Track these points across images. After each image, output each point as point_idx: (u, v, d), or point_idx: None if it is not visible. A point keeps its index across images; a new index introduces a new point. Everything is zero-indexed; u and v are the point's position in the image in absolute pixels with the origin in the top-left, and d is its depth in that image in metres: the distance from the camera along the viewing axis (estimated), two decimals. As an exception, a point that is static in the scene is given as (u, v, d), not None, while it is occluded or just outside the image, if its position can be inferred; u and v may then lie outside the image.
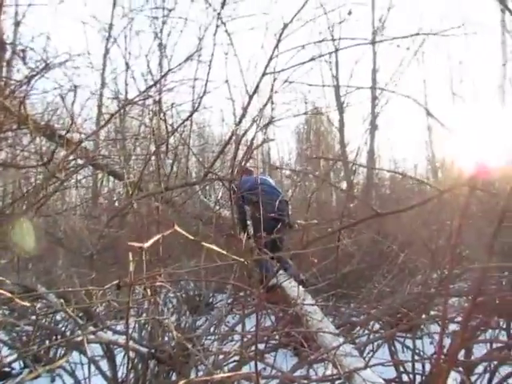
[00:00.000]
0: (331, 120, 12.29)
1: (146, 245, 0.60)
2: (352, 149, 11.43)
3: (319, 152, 10.58)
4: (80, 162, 2.71)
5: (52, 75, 3.17)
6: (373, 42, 7.77)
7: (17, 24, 6.87)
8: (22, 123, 2.21)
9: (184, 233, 0.77)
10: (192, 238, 0.89)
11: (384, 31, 10.02)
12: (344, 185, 9.19)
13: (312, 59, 2.19)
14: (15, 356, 3.59)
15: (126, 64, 8.69)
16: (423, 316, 2.75)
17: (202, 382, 1.29)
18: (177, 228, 0.69)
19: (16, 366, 3.69)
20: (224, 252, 0.96)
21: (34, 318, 3.21)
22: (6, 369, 3.62)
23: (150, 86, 2.73)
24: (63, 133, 2.50)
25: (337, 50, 7.16)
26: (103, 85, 8.49)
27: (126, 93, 4.53)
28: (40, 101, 3.64)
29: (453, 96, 12.42)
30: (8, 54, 3.17)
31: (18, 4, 6.11)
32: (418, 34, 2.73)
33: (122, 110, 5.22)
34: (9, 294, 1.23)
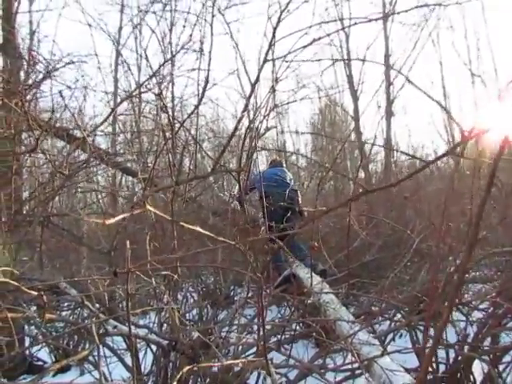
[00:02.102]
0: (345, 108, 12.09)
1: (109, 221, 0.60)
2: (368, 137, 11.25)
3: (334, 142, 10.43)
4: (91, 159, 2.77)
5: (64, 76, 3.25)
6: (384, 17, 7.50)
7: (32, 33, 7.06)
8: (34, 124, 2.27)
9: (157, 212, 0.77)
10: (168, 218, 0.90)
11: (394, 15, 9.71)
12: (361, 174, 9.03)
13: (313, 41, 2.13)
14: (46, 351, 3.75)
15: (138, 66, 8.83)
16: (445, 303, 2.68)
17: (208, 368, 1.30)
18: (148, 207, 0.69)
19: (48, 360, 3.85)
20: (218, 238, 0.96)
21: (61, 313, 3.34)
22: (39, 363, 3.79)
23: (148, 78, 2.74)
24: (72, 132, 2.55)
25: (343, 29, 6.98)
26: (116, 86, 8.66)
27: (140, 92, 4.58)
28: (50, 101, 3.74)
29: (472, 76, 11.96)
30: (23, 62, 3.27)
31: (31, 11, 6.27)
32: (427, 5, 2.61)
33: (135, 108, 5.30)
34: (34, 292, 1.27)
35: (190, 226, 0.85)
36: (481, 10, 12.05)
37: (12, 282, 1.01)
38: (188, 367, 1.04)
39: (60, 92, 2.57)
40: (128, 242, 0.85)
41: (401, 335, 3.53)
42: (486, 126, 0.88)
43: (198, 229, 0.85)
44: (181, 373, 0.98)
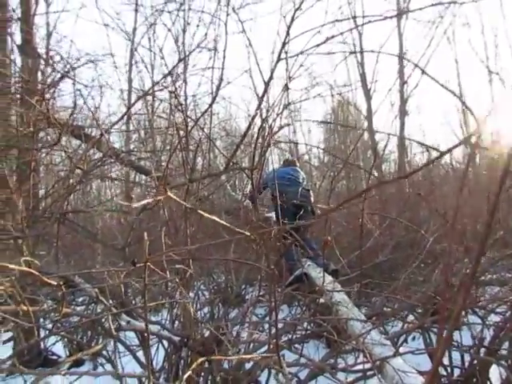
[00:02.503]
0: (358, 108, 12.00)
1: (135, 205, 0.61)
2: (381, 137, 11.13)
3: (346, 140, 10.35)
4: (106, 157, 2.81)
5: (80, 75, 3.31)
6: (398, 14, 7.37)
7: (49, 34, 7.22)
8: (54, 122, 2.32)
9: (176, 198, 0.78)
10: (187, 205, 0.90)
11: (409, 13, 9.58)
12: (375, 172, 8.94)
13: (326, 40, 2.12)
14: (60, 345, 3.83)
15: (152, 65, 8.92)
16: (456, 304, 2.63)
17: (219, 365, 1.30)
18: (170, 194, 0.70)
19: (62, 354, 3.92)
20: (233, 227, 0.96)
21: (75, 308, 3.40)
22: (54, 357, 3.86)
23: (164, 77, 2.77)
24: (88, 130, 2.60)
25: (356, 27, 6.89)
26: (130, 85, 8.77)
27: (154, 91, 4.64)
28: (67, 100, 3.82)
29: (489, 73, 11.70)
30: (41, 61, 3.34)
31: (48, 12, 6.41)
32: (442, 3, 2.56)
33: (147, 107, 5.37)
34: (54, 282, 1.30)
35: (207, 214, 0.85)
36: (499, 5, 11.78)
37: (35, 271, 1.04)
38: (201, 359, 1.05)
39: (79, 91, 2.63)
40: (146, 234, 0.86)
41: (414, 337, 3.49)
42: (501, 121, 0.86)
43: (215, 218, 0.85)
44: (194, 364, 0.99)
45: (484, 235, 0.65)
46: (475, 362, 2.30)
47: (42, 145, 2.55)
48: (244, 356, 1.35)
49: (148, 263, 0.93)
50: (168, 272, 2.21)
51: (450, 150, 0.94)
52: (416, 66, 8.06)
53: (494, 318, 2.86)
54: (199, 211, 0.89)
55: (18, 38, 3.67)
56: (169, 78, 2.78)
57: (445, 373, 2.65)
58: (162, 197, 0.75)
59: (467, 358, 2.49)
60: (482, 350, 2.41)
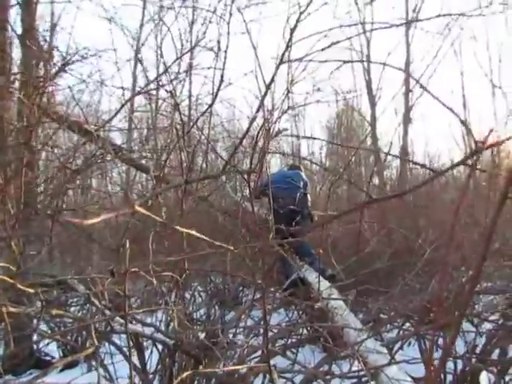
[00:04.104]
0: (363, 114, 12.00)
1: (88, 222, 0.59)
2: (384, 143, 11.13)
3: (348, 146, 10.33)
4: (103, 154, 2.78)
5: (80, 70, 3.28)
6: (406, 23, 7.37)
7: (53, 26, 7.17)
8: (51, 119, 2.30)
9: (146, 212, 0.76)
10: (160, 219, 0.88)
11: (417, 23, 9.57)
12: (376, 180, 8.92)
13: (331, 45, 2.11)
14: (54, 346, 3.79)
15: (157, 63, 8.91)
16: (455, 314, 2.63)
17: (212, 373, 1.29)
18: (137, 208, 0.68)
19: (56, 355, 3.89)
20: (206, 238, 0.94)
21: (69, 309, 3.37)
22: (47, 358, 3.83)
23: (160, 75, 2.75)
24: (86, 126, 2.57)
25: (364, 32, 6.86)
26: (134, 82, 8.76)
27: (157, 89, 4.61)
28: (66, 95, 3.78)
29: (492, 87, 11.72)
30: (42, 54, 3.29)
31: (53, 1, 6.34)
32: (450, 15, 2.57)
33: (151, 104, 5.35)
34: (31, 290, 1.27)
35: (185, 230, 0.83)
36: (504, 21, 11.81)
37: (7, 279, 1.01)
38: (190, 371, 1.03)
39: (76, 85, 2.59)
40: (128, 242, 0.84)
41: (409, 344, 3.47)
42: (501, 137, 0.85)
43: (194, 232, 0.83)
44: (184, 375, 0.97)
45: (484, 247, 0.63)
46: (467, 368, 2.30)
47: (34, 146, 2.50)
48: (237, 367, 1.33)
49: (129, 272, 0.91)
50: (159, 279, 2.18)
51: (446, 170, 0.92)
52: (417, 81, 8.05)
53: (487, 326, 2.86)
54: (177, 227, 0.86)
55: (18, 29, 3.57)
56: (168, 77, 2.76)
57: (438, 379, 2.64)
58: (127, 211, 0.73)
59: (460, 364, 2.49)
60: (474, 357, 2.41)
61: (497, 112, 11.82)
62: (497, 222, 0.59)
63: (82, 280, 2.47)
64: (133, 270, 0.92)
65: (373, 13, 10.54)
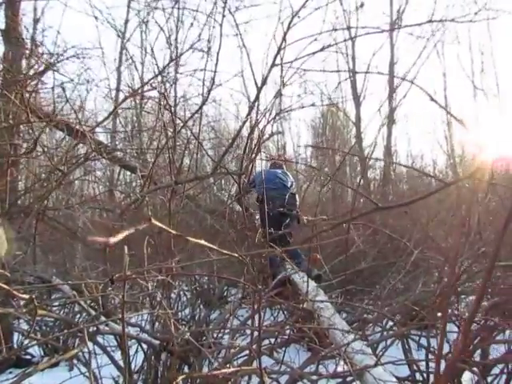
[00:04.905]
0: (347, 114, 12.12)
1: (113, 240, 0.58)
2: (368, 143, 11.26)
3: (334, 145, 10.43)
4: (91, 153, 2.73)
5: (66, 68, 3.21)
6: (391, 29, 7.52)
7: (36, 21, 7.00)
8: (33, 117, 2.24)
9: (162, 226, 0.75)
10: (174, 232, 0.88)
11: (402, 23, 9.72)
12: (360, 180, 9.03)
13: (322, 49, 2.12)
14: (35, 345, 3.72)
15: (142, 61, 8.80)
16: (438, 314, 2.69)
17: (204, 377, 1.28)
18: (153, 221, 0.68)
19: (36, 354, 3.81)
20: (215, 247, 0.94)
21: (51, 308, 3.31)
22: (27, 357, 3.75)
23: (154, 77, 2.72)
24: (73, 125, 2.52)
25: (351, 38, 6.96)
26: (119, 80, 8.61)
27: (143, 91, 4.53)
28: (52, 93, 3.69)
29: (474, 89, 12.01)
30: (25, 51, 3.22)
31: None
32: (431, 21, 2.61)
33: (138, 105, 5.28)
34: (25, 296, 1.23)
35: (196, 240, 0.83)
36: (486, 24, 12.10)
37: (3, 286, 0.99)
38: (180, 377, 1.02)
39: (62, 84, 2.54)
40: (126, 248, 0.83)
41: (392, 342, 3.54)
42: (486, 143, 0.87)
43: (204, 242, 0.83)
44: (178, 379, 0.96)
45: (486, 277, 0.65)
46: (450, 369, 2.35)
47: (20, 149, 2.43)
48: (224, 370, 1.33)
49: (127, 279, 0.90)
50: (149, 282, 2.16)
51: (453, 183, 0.94)
52: (403, 79, 8.20)
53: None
54: (188, 237, 0.86)
55: (1, 24, 3.48)
56: (159, 78, 2.73)
57: (421, 378, 2.70)
58: (145, 225, 0.72)
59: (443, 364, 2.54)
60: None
61: (478, 114, 12.13)
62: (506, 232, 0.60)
63: (66, 279, 2.42)
64: (133, 276, 0.91)
65: (358, 15, 10.65)
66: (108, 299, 2.42)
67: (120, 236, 0.59)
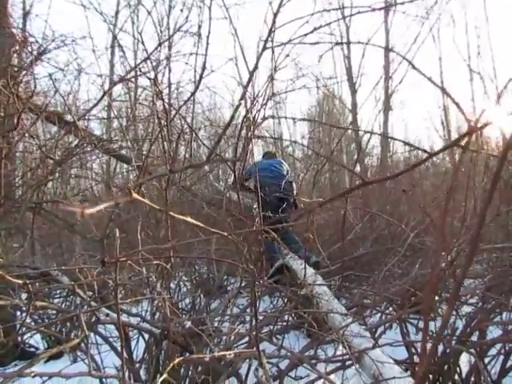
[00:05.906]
0: (343, 101, 12.07)
1: (88, 211, 0.57)
2: (364, 128, 11.24)
3: (331, 134, 10.41)
4: (84, 145, 2.71)
5: (57, 59, 3.17)
6: (383, 8, 7.43)
7: (26, 13, 6.90)
8: (27, 108, 2.21)
9: (146, 201, 0.75)
10: (157, 207, 0.88)
11: (396, 8, 9.59)
12: (357, 167, 9.03)
13: (314, 30, 2.09)
14: (38, 337, 3.76)
15: (135, 50, 8.70)
16: (436, 298, 2.72)
17: (199, 360, 1.30)
18: (135, 196, 0.67)
19: (40, 347, 3.85)
20: (211, 229, 0.94)
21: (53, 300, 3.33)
22: (31, 349, 3.79)
23: (143, 61, 2.67)
24: (64, 116, 2.49)
25: (344, 18, 6.90)
26: (112, 70, 8.54)
27: (133, 76, 4.45)
28: (42, 84, 3.66)
29: (470, 73, 11.94)
30: (15, 42, 3.17)
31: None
32: None
33: (130, 93, 5.22)
34: (19, 281, 1.24)
35: (181, 217, 0.83)
36: (482, 7, 11.98)
37: None
38: (179, 359, 1.03)
39: (51, 75, 2.50)
40: (117, 231, 0.83)
41: (391, 326, 3.58)
42: (488, 120, 0.86)
43: (189, 219, 0.83)
44: (172, 364, 0.98)
45: (476, 232, 0.65)
46: (448, 350, 2.39)
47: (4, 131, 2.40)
48: (223, 353, 1.34)
49: (119, 261, 0.90)
50: (145, 268, 2.17)
51: (438, 152, 0.94)
52: (403, 58, 8.13)
53: (466, 309, 2.98)
54: (172, 214, 0.85)
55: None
56: (149, 64, 2.69)
57: (418, 361, 2.74)
58: (125, 199, 0.71)
59: (440, 346, 2.57)
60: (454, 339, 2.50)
61: (474, 97, 12.09)
62: (489, 205, 0.60)
63: (66, 271, 2.43)
64: (123, 258, 0.91)
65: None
66: (105, 286, 2.42)
67: (96, 208, 0.58)
